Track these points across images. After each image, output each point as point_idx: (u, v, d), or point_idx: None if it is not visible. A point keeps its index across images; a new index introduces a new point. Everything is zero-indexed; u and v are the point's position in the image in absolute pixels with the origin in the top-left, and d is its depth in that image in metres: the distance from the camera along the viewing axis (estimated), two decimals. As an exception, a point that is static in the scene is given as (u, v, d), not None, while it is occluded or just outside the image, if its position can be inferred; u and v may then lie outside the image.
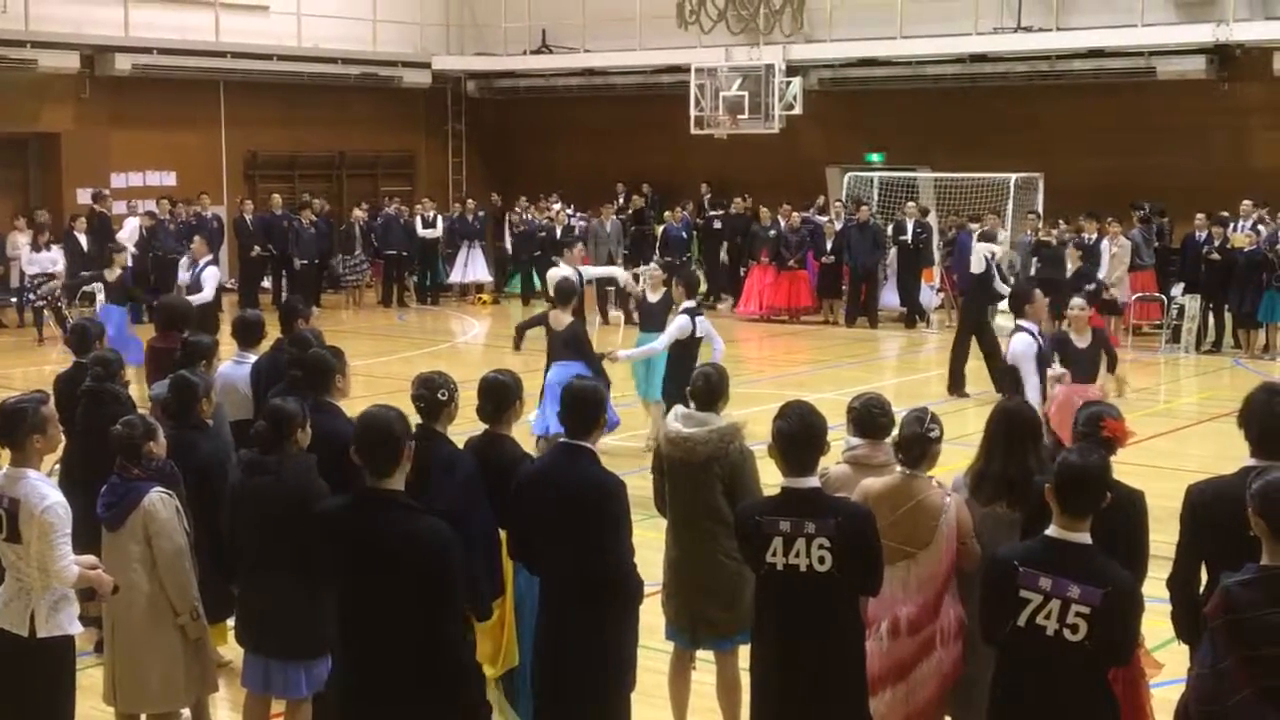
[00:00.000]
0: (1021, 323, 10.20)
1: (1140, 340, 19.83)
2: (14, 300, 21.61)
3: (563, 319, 11.47)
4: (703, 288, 16.07)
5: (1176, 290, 19.69)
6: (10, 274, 21.50)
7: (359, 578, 4.83)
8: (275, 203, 23.78)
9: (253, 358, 8.79)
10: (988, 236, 17.12)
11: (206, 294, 14.69)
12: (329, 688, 5.12)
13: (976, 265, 15.96)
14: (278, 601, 5.93)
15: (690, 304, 11.55)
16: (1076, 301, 10.77)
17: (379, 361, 12.88)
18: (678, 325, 11.34)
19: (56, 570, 5.60)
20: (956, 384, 15.45)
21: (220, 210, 24.36)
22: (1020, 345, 9.94)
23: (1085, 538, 4.57)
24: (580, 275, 13.45)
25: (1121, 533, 5.10)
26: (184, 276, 16.28)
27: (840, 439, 6.16)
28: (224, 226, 23.46)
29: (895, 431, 5.85)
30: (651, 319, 12.67)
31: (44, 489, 5.65)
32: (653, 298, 12.79)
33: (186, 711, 6.74)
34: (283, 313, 9.41)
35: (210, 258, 15.86)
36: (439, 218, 25.24)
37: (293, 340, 8.39)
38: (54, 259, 20.39)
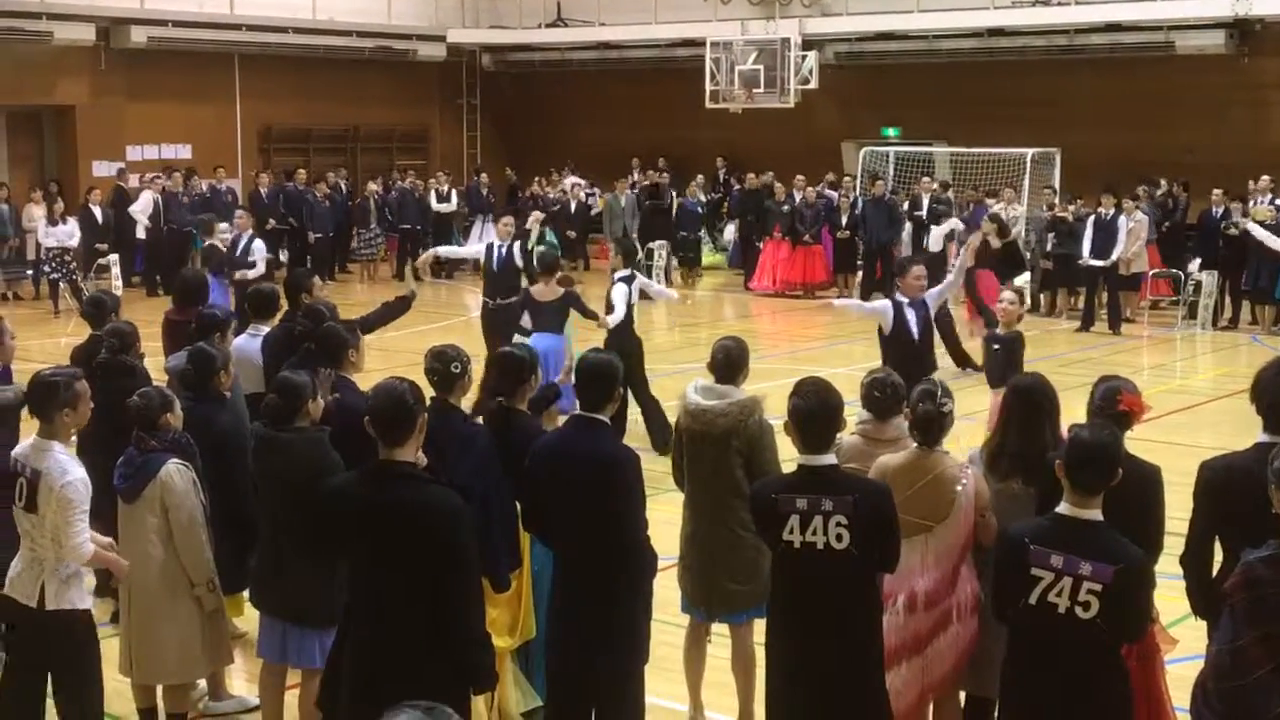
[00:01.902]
0: (897, 295, 9.84)
1: (1156, 316, 19.77)
2: (29, 273, 21.66)
3: (551, 290, 11.47)
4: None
5: (1193, 266, 19.60)
6: (26, 246, 21.55)
7: (372, 548, 4.85)
8: (300, 177, 23.80)
9: (266, 330, 8.81)
10: (938, 215, 17.09)
11: (259, 268, 14.80)
12: (337, 657, 5.11)
13: (934, 244, 16.00)
14: (292, 572, 5.95)
15: (625, 272, 11.84)
16: (1007, 295, 9.67)
17: (392, 335, 12.84)
18: (620, 294, 11.50)
19: (72, 546, 5.62)
20: (960, 360, 15.41)
21: (235, 183, 24.39)
22: (877, 304, 9.79)
23: (1096, 514, 4.56)
24: (511, 251, 13.21)
25: (1137, 508, 5.09)
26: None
27: (854, 414, 6.16)
28: (239, 199, 23.48)
29: (906, 407, 5.83)
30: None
31: (67, 463, 5.67)
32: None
33: (202, 682, 6.79)
34: (288, 286, 9.43)
35: (252, 231, 15.96)
36: (453, 192, 25.22)
37: (306, 313, 8.39)
38: (70, 232, 20.43)
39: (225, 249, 15.14)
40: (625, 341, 11.48)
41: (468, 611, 4.83)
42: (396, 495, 4.81)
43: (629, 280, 11.75)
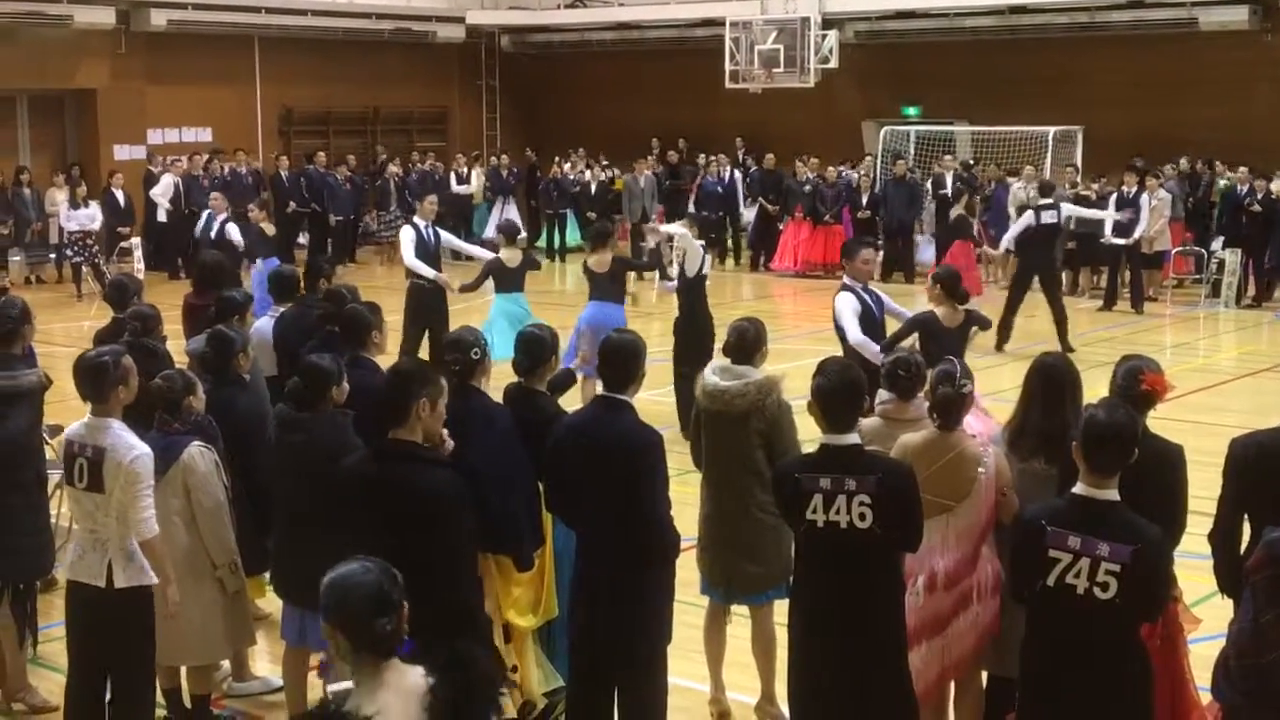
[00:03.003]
0: (846, 280, 9.68)
1: (1180, 294, 19.67)
2: (52, 256, 21.74)
3: (603, 262, 11.82)
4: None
5: (1216, 244, 19.48)
6: (49, 230, 21.63)
7: (376, 524, 4.92)
8: (320, 160, 23.83)
9: (285, 312, 8.84)
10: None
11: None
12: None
13: (1013, 231, 16.00)
14: (313, 555, 5.94)
15: (701, 242, 12.17)
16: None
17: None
18: (695, 245, 11.79)
19: (137, 521, 5.60)
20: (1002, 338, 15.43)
21: (256, 166, 24.42)
22: (840, 303, 9.39)
23: (1113, 495, 4.53)
24: (438, 234, 13.19)
25: (1160, 487, 5.07)
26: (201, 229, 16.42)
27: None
28: (264, 183, 23.52)
29: (926, 387, 5.82)
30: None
31: (131, 439, 5.66)
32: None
33: (226, 663, 6.82)
34: (306, 271, 9.46)
35: (227, 215, 16.02)
36: (473, 173, 25.22)
37: (328, 296, 8.41)
38: (92, 215, 20.50)
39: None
40: (698, 319, 11.44)
41: (458, 581, 4.90)
42: (393, 472, 4.94)
43: (704, 249, 12.01)
